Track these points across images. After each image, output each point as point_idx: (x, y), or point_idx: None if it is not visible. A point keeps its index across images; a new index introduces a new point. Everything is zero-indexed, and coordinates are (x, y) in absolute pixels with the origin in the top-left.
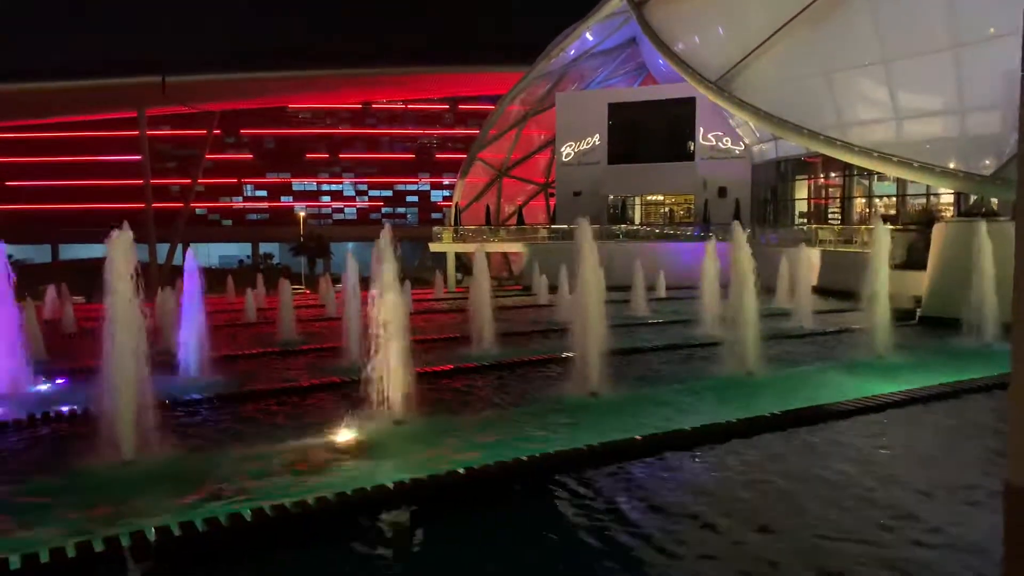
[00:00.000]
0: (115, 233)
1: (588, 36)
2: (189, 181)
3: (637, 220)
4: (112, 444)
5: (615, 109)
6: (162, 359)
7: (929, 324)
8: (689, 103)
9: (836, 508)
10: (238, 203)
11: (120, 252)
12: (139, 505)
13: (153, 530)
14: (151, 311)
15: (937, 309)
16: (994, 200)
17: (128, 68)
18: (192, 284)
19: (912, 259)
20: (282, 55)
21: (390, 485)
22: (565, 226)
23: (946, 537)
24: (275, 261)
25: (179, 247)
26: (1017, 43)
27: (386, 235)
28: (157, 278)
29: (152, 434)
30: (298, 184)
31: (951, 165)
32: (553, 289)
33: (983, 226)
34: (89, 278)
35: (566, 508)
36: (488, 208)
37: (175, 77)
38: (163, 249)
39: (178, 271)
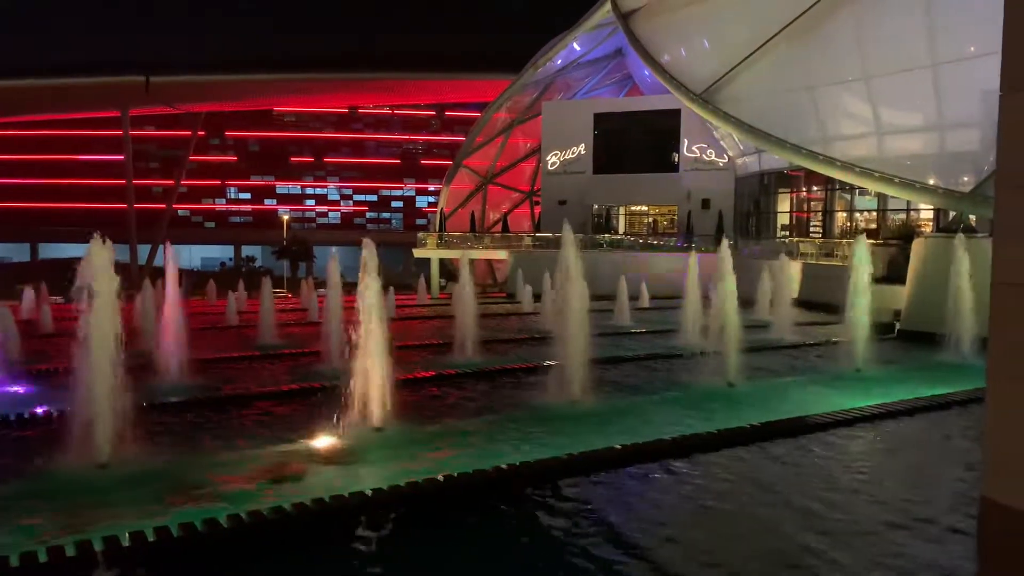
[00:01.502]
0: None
1: (575, 46)
2: (172, 182)
3: (621, 230)
4: (87, 447)
5: (601, 119)
6: (140, 361)
7: (908, 338)
8: (674, 115)
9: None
10: (221, 205)
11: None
12: (113, 509)
13: (127, 535)
14: (130, 312)
15: (916, 323)
16: (972, 216)
17: (112, 67)
18: (172, 286)
19: (892, 273)
20: (268, 58)
21: (368, 492)
22: (550, 234)
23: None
24: (257, 264)
25: (160, 248)
26: (996, 62)
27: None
28: (138, 279)
29: (128, 437)
30: (282, 187)
31: (931, 181)
32: (537, 297)
33: (961, 242)
34: (68, 278)
35: (544, 515)
36: (473, 215)
37: (159, 77)
38: (144, 250)
39: (159, 272)
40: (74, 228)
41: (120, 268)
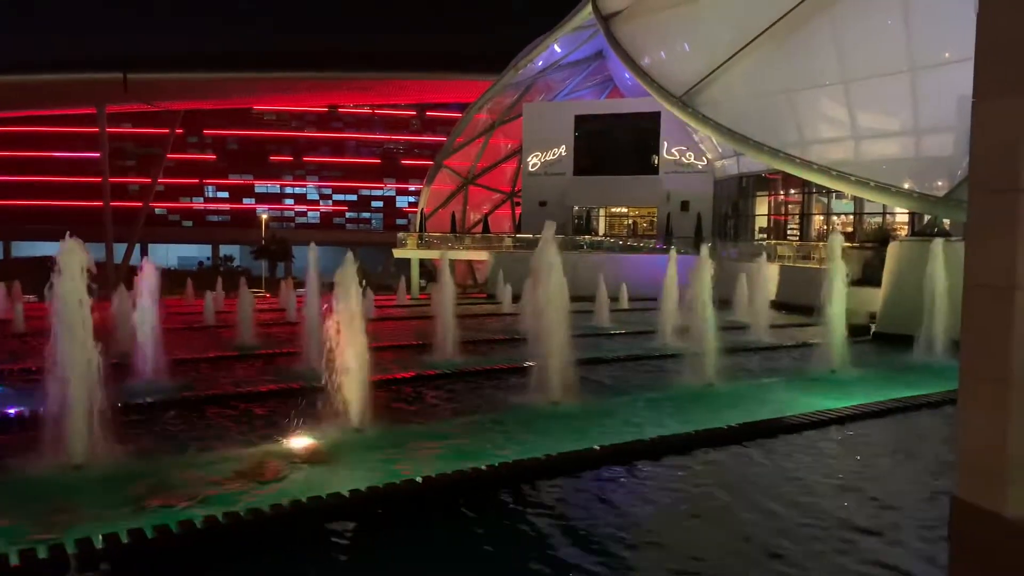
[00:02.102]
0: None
1: (556, 48)
2: (149, 180)
3: (601, 231)
4: (61, 448)
5: (581, 121)
6: (116, 361)
7: (883, 340)
8: (654, 117)
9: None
10: (199, 204)
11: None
12: (87, 511)
13: (101, 537)
14: (106, 312)
15: (891, 325)
16: (946, 220)
17: (89, 63)
18: (149, 286)
19: (867, 276)
20: (248, 56)
21: (346, 493)
22: (530, 235)
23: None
24: (235, 264)
25: (137, 247)
26: (971, 69)
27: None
28: (113, 278)
29: (103, 438)
30: (261, 186)
31: (906, 185)
32: (517, 298)
33: (935, 246)
34: (42, 277)
35: (523, 516)
36: (454, 215)
37: (137, 74)
38: (121, 249)
39: (135, 271)
40: (48, 226)
41: (96, 267)
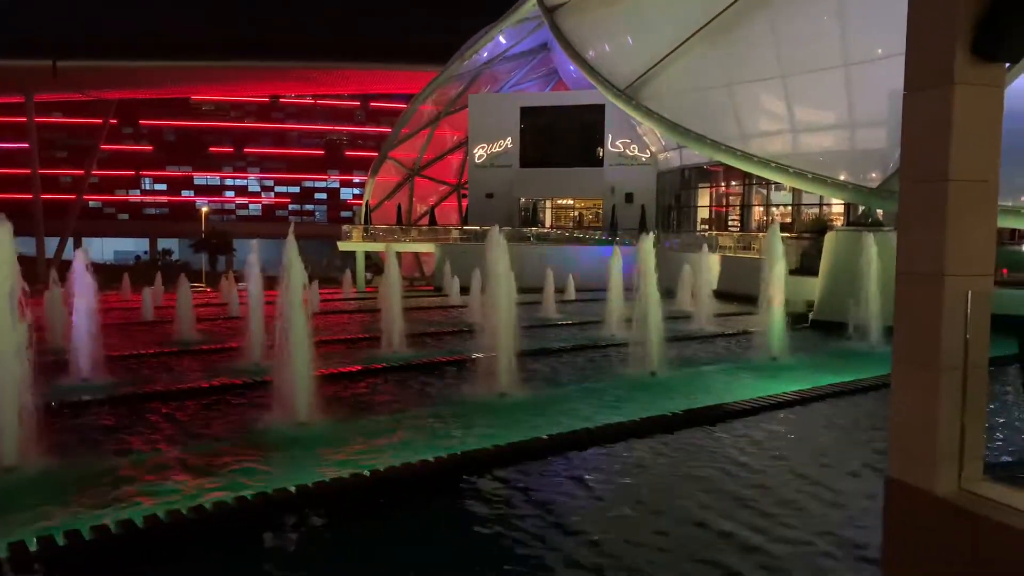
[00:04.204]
0: None
1: (501, 39)
2: (82, 172)
3: (548, 223)
4: None
5: (527, 113)
6: (50, 359)
7: (821, 327)
8: (599, 110)
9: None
10: (135, 196)
11: None
12: (20, 513)
13: (35, 540)
14: (38, 308)
15: (828, 313)
16: (880, 211)
17: (15, 49)
18: (83, 281)
19: (805, 265)
20: (184, 44)
21: (292, 489)
22: (477, 227)
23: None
24: (174, 257)
25: (70, 241)
26: (901, 63)
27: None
28: (45, 274)
29: (37, 438)
30: (200, 178)
31: (842, 177)
32: (465, 290)
33: (869, 235)
34: None
35: (471, 508)
36: (399, 207)
37: (68, 61)
38: (52, 243)
39: (68, 266)
40: None
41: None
